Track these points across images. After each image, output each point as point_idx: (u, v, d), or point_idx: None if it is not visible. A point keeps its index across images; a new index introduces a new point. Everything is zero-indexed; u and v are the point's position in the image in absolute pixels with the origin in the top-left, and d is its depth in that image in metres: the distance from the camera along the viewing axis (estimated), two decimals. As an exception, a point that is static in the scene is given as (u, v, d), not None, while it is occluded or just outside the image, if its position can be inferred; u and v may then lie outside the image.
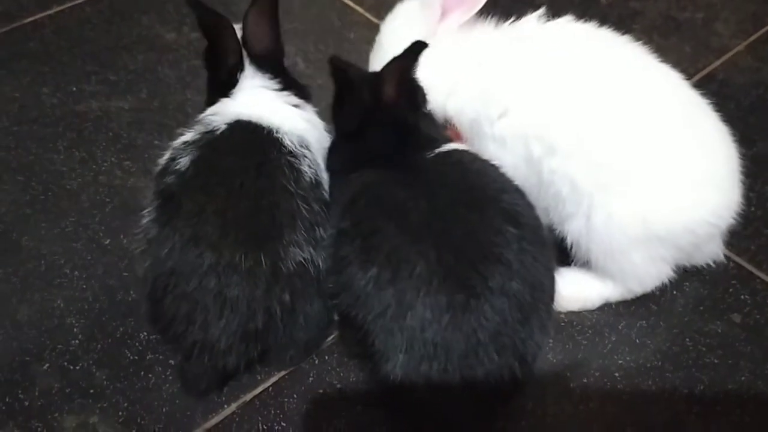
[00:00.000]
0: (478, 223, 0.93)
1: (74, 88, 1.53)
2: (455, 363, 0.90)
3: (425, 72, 1.10)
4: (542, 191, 1.11)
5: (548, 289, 0.98)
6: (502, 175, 1.03)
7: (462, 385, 0.92)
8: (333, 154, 1.11)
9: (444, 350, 0.90)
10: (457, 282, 0.89)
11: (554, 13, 1.48)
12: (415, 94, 1.08)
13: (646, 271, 1.12)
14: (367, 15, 1.72)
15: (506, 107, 1.10)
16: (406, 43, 1.01)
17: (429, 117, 1.12)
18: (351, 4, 1.76)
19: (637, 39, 1.61)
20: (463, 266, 0.90)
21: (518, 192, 1.01)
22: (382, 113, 1.04)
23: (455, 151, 1.05)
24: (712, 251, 1.16)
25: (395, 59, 1.02)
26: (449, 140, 1.09)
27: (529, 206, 1.00)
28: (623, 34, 1.18)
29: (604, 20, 1.66)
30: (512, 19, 1.18)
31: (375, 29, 1.67)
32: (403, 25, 1.21)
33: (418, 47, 1.00)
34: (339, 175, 1.08)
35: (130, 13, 1.71)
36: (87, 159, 1.39)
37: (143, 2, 1.74)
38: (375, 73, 1.06)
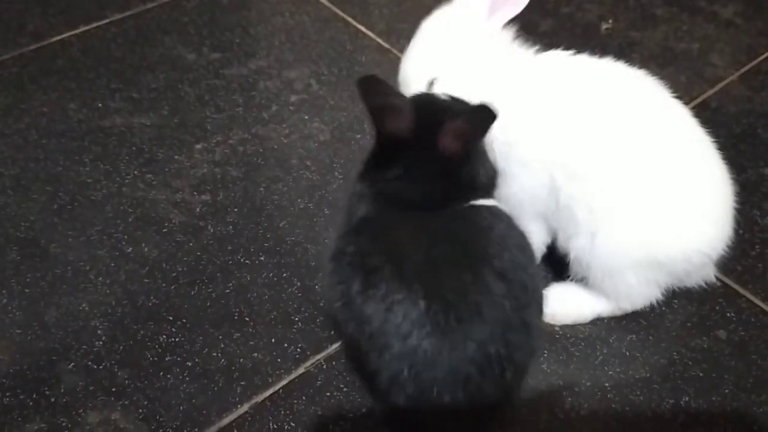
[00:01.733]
0: (467, 282, 0.95)
1: (99, 104, 1.60)
2: (443, 374, 0.94)
3: (459, 92, 1.13)
4: (557, 214, 1.17)
5: (537, 302, 1.03)
6: (509, 231, 1.04)
7: (455, 398, 0.96)
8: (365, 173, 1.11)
9: (432, 365, 0.93)
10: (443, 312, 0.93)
11: (556, 41, 1.55)
12: (476, 161, 1.07)
13: (639, 291, 1.19)
14: (379, 40, 1.80)
15: (535, 135, 1.14)
16: (452, 48, 1.06)
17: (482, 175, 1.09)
18: (363, 29, 1.84)
19: (636, 68, 1.70)
20: (450, 315, 0.93)
21: (518, 248, 1.02)
22: (430, 159, 1.03)
23: (473, 207, 1.05)
24: (704, 276, 1.23)
25: (466, 118, 1.01)
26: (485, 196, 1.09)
27: (529, 262, 1.03)
28: (623, 63, 1.24)
29: (604, 49, 1.75)
30: (537, 48, 1.22)
31: (386, 53, 1.76)
32: (448, 27, 1.17)
33: (488, 115, 0.99)
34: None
35: (153, 34, 1.79)
36: (111, 171, 1.46)
37: (165, 24, 1.82)
38: (443, 112, 1.03)
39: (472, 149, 1.05)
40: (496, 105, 1.01)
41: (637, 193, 1.11)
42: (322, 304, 1.25)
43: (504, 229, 1.03)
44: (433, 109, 1.06)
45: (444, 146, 1.02)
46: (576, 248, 1.17)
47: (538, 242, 1.23)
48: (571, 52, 1.21)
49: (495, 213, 1.05)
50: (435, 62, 1.16)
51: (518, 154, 1.16)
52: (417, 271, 0.95)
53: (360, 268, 0.98)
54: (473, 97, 1.11)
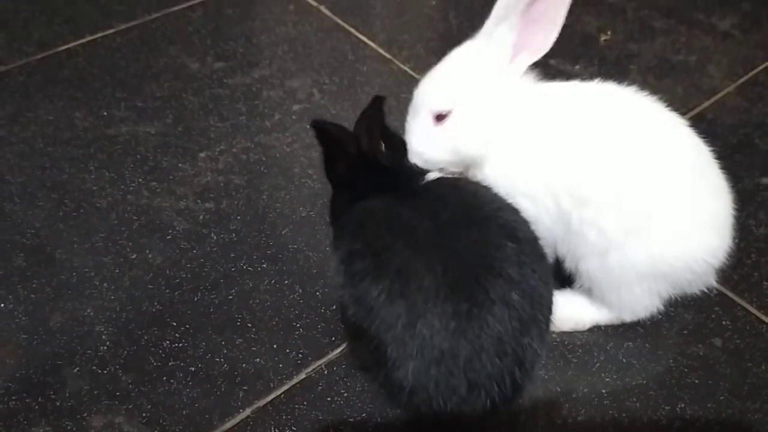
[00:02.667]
0: (479, 239, 1.01)
1: (105, 113, 1.63)
2: (460, 367, 0.97)
3: (467, 121, 1.16)
4: (567, 239, 1.17)
5: (546, 300, 1.05)
6: (497, 195, 1.11)
7: (466, 390, 0.99)
8: (334, 203, 1.21)
9: (450, 355, 0.96)
10: (461, 293, 0.96)
11: (555, 53, 1.55)
12: (391, 141, 1.16)
13: (642, 303, 1.21)
14: (380, 50, 1.82)
15: (537, 164, 1.15)
16: (474, 83, 1.13)
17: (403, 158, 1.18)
18: (364, 39, 1.86)
19: (633, 79, 1.72)
20: (466, 278, 0.97)
21: (513, 210, 1.09)
22: (368, 161, 1.12)
23: (450, 177, 1.14)
24: (705, 283, 1.24)
25: (363, 115, 1.10)
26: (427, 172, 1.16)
27: (525, 222, 1.07)
28: (620, 74, 1.25)
29: (602, 61, 1.80)
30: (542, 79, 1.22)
31: (387, 63, 1.78)
32: (472, 64, 1.18)
33: (379, 102, 1.10)
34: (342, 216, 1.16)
35: (158, 44, 1.81)
36: (116, 179, 1.49)
37: (170, 34, 1.84)
38: (353, 130, 1.13)
39: (386, 137, 1.15)
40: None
41: (643, 210, 1.13)
42: (323, 311, 1.27)
43: (489, 193, 1.12)
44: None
45: (365, 145, 1.11)
46: (586, 269, 1.18)
47: None
48: (570, 84, 1.22)
49: (466, 179, 1.17)
50: (447, 93, 1.16)
51: (522, 185, 1.17)
52: (428, 239, 1.00)
53: (370, 254, 1.02)
54: (479, 130, 1.17)
